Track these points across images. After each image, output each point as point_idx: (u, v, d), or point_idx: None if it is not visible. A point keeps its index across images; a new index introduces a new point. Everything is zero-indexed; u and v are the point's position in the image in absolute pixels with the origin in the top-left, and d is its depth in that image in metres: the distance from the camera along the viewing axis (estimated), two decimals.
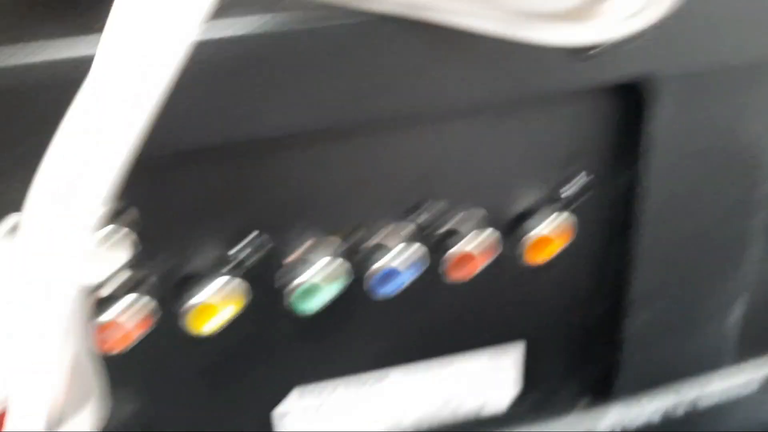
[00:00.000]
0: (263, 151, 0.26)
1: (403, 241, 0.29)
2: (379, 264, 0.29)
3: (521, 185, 0.30)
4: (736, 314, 0.36)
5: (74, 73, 0.19)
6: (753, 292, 0.35)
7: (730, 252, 0.34)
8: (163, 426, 0.31)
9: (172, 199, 0.26)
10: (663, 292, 0.34)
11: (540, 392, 0.37)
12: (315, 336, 0.31)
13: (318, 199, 0.28)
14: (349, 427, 0.35)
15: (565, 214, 0.31)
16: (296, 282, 0.28)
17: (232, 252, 0.28)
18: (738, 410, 0.38)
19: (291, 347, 0.31)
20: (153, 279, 0.27)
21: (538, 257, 0.31)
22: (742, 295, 0.35)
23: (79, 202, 0.18)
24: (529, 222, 0.31)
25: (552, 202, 0.31)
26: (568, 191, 0.31)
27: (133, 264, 0.26)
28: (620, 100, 0.29)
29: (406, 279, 0.29)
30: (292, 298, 0.28)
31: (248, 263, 0.28)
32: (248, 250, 0.28)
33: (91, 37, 0.21)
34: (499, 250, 0.30)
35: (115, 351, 0.27)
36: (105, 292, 0.26)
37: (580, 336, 0.35)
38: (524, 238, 0.30)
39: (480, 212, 0.30)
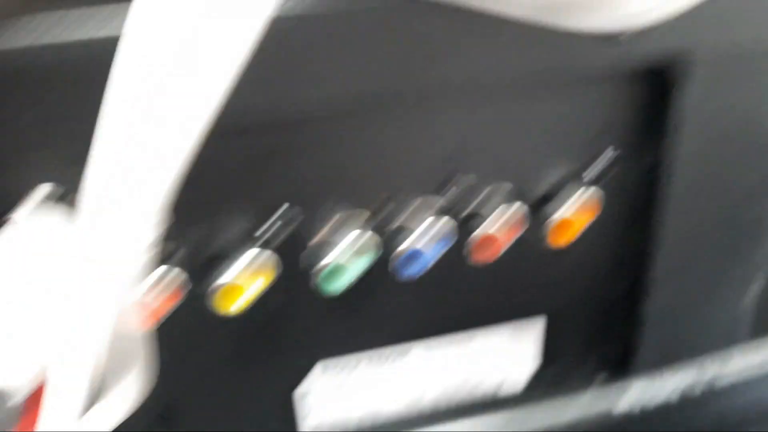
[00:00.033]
0: (294, 126, 0.26)
1: (430, 216, 0.29)
2: (405, 245, 0.29)
3: (548, 163, 0.30)
4: (754, 291, 0.36)
5: (109, 50, 0.19)
6: None
7: (751, 230, 0.34)
8: (187, 401, 0.31)
9: (203, 172, 0.26)
10: (684, 270, 0.34)
11: (558, 368, 0.37)
12: (339, 313, 0.31)
13: (348, 173, 0.28)
14: (370, 402, 0.35)
15: (591, 192, 0.31)
16: (323, 263, 0.28)
17: (262, 225, 0.28)
18: (755, 387, 0.38)
19: (315, 324, 0.31)
20: (183, 252, 0.27)
21: (564, 234, 0.31)
22: (760, 272, 0.35)
23: (143, 190, 0.18)
24: (555, 201, 0.31)
25: (578, 180, 0.31)
26: (594, 169, 0.31)
27: (164, 237, 0.26)
28: (648, 81, 0.29)
29: (430, 260, 0.29)
30: (319, 279, 0.28)
31: (278, 237, 0.28)
32: (279, 224, 0.28)
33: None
34: (524, 229, 0.30)
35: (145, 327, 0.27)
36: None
37: (600, 313, 0.36)
38: (551, 216, 0.31)
39: (507, 189, 0.30)
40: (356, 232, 0.28)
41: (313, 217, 0.28)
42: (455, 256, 0.30)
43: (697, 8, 0.24)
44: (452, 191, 0.29)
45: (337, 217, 0.28)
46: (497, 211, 0.30)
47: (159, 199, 0.19)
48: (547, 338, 0.36)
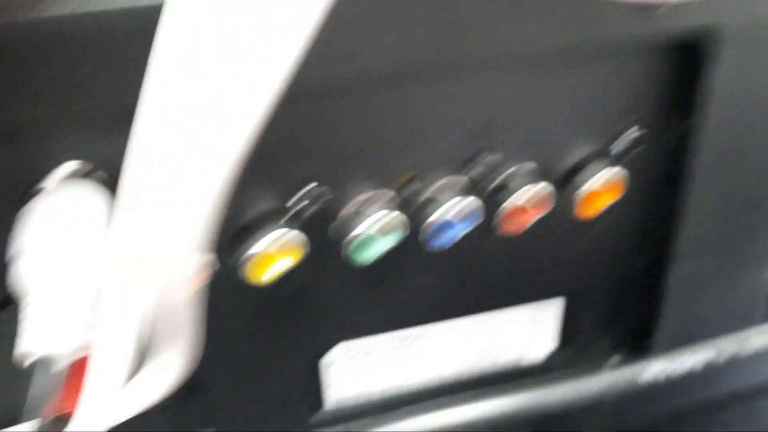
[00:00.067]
0: (321, 102, 0.26)
1: (458, 194, 0.29)
2: (435, 216, 0.29)
3: (575, 139, 0.30)
4: None
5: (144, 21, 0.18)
6: None
7: None
8: (214, 371, 0.31)
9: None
10: (705, 248, 0.34)
11: (576, 348, 0.37)
12: (367, 286, 0.31)
13: (375, 150, 0.28)
14: (390, 376, 0.35)
15: (617, 168, 0.31)
16: (353, 233, 0.28)
17: (290, 203, 0.28)
18: None
19: (343, 297, 0.31)
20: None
21: (589, 211, 0.31)
22: None
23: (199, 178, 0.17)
24: (581, 176, 0.31)
25: (604, 156, 0.31)
26: (620, 145, 0.31)
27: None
28: (677, 56, 0.29)
29: (460, 231, 0.30)
30: (350, 249, 0.28)
31: (306, 214, 0.28)
32: (306, 201, 0.28)
33: None
34: (552, 204, 0.30)
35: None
36: None
37: (619, 293, 0.36)
38: (576, 193, 0.31)
39: (533, 165, 0.30)
40: (383, 211, 0.28)
41: (340, 194, 0.28)
42: (483, 230, 0.30)
43: None
44: (478, 169, 0.30)
45: (364, 195, 0.29)
46: (523, 188, 0.30)
47: (212, 197, 0.17)
48: (566, 318, 0.36)
